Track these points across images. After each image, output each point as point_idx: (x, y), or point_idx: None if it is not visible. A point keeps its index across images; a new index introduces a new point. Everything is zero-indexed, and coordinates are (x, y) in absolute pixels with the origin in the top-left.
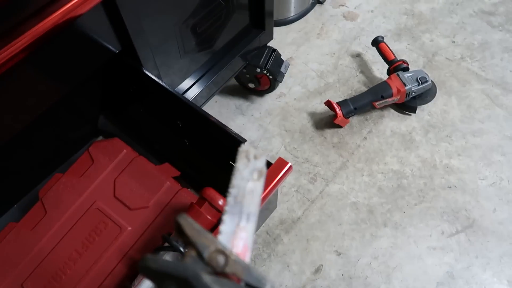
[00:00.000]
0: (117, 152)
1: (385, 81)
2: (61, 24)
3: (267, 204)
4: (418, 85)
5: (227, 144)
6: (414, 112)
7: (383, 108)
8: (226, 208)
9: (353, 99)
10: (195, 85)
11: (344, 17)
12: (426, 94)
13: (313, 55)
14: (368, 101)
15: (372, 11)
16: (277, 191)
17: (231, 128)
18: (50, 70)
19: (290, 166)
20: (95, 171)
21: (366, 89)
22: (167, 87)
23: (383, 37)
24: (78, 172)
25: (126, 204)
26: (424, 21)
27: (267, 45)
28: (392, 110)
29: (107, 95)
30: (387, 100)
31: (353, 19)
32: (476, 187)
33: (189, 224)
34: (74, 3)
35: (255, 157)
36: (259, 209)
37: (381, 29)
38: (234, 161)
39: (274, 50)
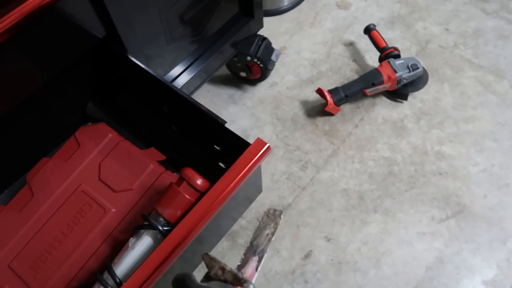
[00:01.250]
0: (102, 137)
1: (376, 69)
2: (43, 6)
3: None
4: (409, 72)
5: (211, 127)
6: (406, 99)
7: (375, 95)
8: (246, 248)
9: (344, 87)
10: (184, 72)
11: (337, 6)
12: (418, 81)
13: (306, 44)
14: (359, 88)
15: (365, 0)
16: (260, 175)
17: (223, 117)
18: (34, 54)
19: (268, 146)
20: (81, 155)
21: (359, 77)
22: (152, 72)
23: (375, 25)
24: (64, 156)
25: (110, 187)
26: (418, 9)
27: (258, 33)
28: (384, 98)
29: (95, 82)
30: (378, 87)
31: (346, 8)
32: (467, 173)
33: (207, 256)
34: None
35: (274, 214)
36: (269, 248)
37: (375, 18)
38: (217, 145)
39: (265, 38)
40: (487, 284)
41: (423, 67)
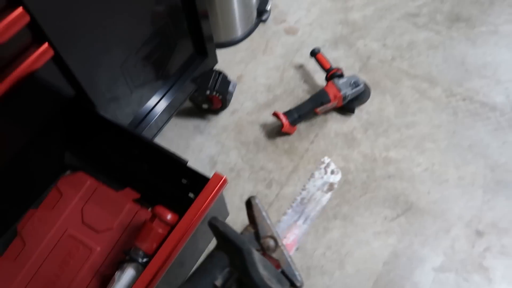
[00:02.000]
0: (81, 184)
1: (323, 89)
2: (20, 80)
3: (214, 213)
4: (352, 89)
5: (176, 165)
6: (353, 113)
7: (326, 112)
8: (293, 204)
9: (297, 108)
10: (152, 110)
11: (286, 32)
12: (362, 96)
13: (261, 71)
14: (310, 108)
15: (310, 24)
16: (223, 201)
17: (191, 147)
18: (13, 119)
19: (225, 179)
20: (64, 203)
21: (309, 97)
22: (118, 123)
23: (319, 48)
24: (49, 206)
25: (93, 228)
26: (358, 28)
27: (214, 68)
28: (334, 114)
29: (70, 134)
30: (326, 105)
31: (294, 33)
32: (412, 173)
33: (257, 207)
34: (29, 61)
35: (332, 172)
36: (317, 216)
37: (320, 40)
38: (184, 179)
39: (220, 72)
40: (436, 270)
41: (365, 83)
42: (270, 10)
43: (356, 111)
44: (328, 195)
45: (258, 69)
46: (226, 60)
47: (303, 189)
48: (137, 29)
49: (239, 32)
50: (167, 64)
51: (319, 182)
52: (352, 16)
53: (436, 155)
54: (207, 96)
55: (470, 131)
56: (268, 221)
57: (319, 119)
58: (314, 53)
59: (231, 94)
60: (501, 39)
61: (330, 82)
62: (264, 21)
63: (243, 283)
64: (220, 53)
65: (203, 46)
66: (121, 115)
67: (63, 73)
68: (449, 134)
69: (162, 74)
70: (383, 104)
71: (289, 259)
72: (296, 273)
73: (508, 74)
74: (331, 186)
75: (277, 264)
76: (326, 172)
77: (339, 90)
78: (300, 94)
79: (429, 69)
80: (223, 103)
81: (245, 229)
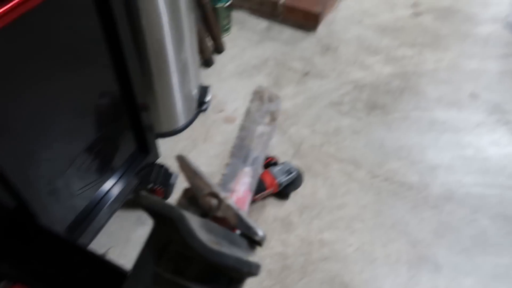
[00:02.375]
0: None
1: (259, 177)
2: None
3: None
4: (286, 176)
5: (116, 275)
6: (288, 198)
7: (263, 198)
8: (232, 150)
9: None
10: (96, 207)
11: (225, 121)
12: (296, 181)
13: (202, 159)
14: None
15: None
16: None
17: (132, 240)
18: None
19: None
20: None
21: None
22: (55, 232)
23: None
24: None
25: None
26: (290, 116)
27: (156, 162)
28: (272, 199)
29: (6, 246)
30: (263, 193)
31: (232, 121)
32: (345, 254)
33: (184, 163)
34: None
35: (270, 99)
36: (265, 154)
37: None
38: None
39: (162, 165)
40: None
41: (298, 169)
42: (209, 100)
43: (292, 195)
44: (272, 126)
45: (199, 157)
46: (168, 150)
47: (240, 129)
48: (79, 129)
49: (180, 122)
50: (110, 163)
51: (257, 116)
52: (284, 104)
53: (365, 235)
54: (150, 189)
55: (392, 209)
56: (203, 177)
57: (257, 205)
58: None
59: (173, 186)
60: (411, 124)
61: (266, 171)
62: (204, 110)
63: (188, 256)
64: (163, 143)
65: (145, 144)
66: (64, 214)
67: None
68: (375, 213)
69: (106, 172)
70: (316, 187)
71: (240, 213)
72: (253, 225)
73: (420, 155)
74: (273, 115)
75: (227, 224)
76: (262, 102)
77: (274, 177)
78: None
79: (354, 153)
80: (165, 195)
81: (181, 197)
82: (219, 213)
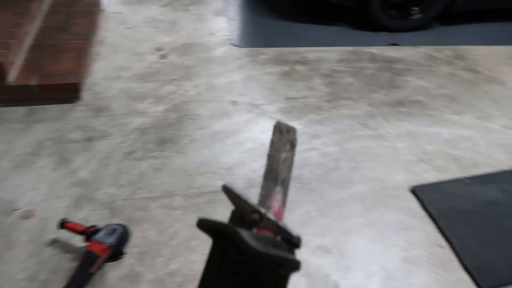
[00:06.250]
0: None
1: (87, 250)
2: None
3: None
4: (113, 236)
5: None
6: (124, 254)
7: (101, 267)
8: (264, 175)
9: (72, 281)
10: None
11: (23, 218)
12: (124, 236)
13: (13, 268)
14: (84, 274)
15: (44, 200)
16: None
17: None
18: None
19: None
20: None
21: (78, 264)
22: None
23: (65, 218)
24: None
25: None
26: (91, 183)
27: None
28: (110, 264)
29: None
30: (97, 263)
31: (31, 215)
32: (196, 270)
33: (230, 191)
34: None
35: (287, 131)
36: (291, 175)
37: (61, 209)
38: None
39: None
40: None
41: (121, 225)
42: None
43: (126, 249)
44: (293, 151)
45: (9, 268)
46: None
47: (268, 158)
48: None
49: None
50: None
51: (280, 145)
52: (80, 175)
53: (204, 247)
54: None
55: (215, 215)
56: (245, 198)
57: (98, 276)
58: (62, 225)
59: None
60: (199, 143)
61: (92, 241)
62: None
63: (244, 261)
64: None
65: None
66: None
67: None
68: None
69: None
70: (145, 232)
71: (278, 222)
72: (290, 231)
73: (216, 164)
74: (292, 143)
75: (270, 232)
76: (282, 133)
77: (102, 243)
78: (67, 266)
79: (163, 187)
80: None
81: (231, 216)
82: (262, 225)
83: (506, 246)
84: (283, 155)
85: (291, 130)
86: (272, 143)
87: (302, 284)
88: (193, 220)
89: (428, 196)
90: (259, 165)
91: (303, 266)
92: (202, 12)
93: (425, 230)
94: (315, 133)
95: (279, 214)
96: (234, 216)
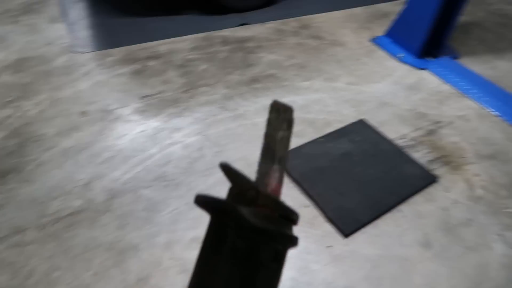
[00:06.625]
0: None
1: None
2: None
3: None
4: None
5: None
6: None
7: None
8: (261, 153)
9: None
10: None
11: None
12: None
13: None
14: None
15: None
16: None
17: None
18: None
19: None
20: None
21: None
22: None
23: None
24: None
25: None
26: None
27: None
28: None
29: None
30: None
31: None
32: None
33: (228, 169)
34: None
35: (285, 110)
36: (288, 153)
37: None
38: None
39: None
40: None
41: None
42: None
43: None
44: (290, 130)
45: None
46: None
47: (265, 137)
48: None
49: None
50: None
51: (276, 124)
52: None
53: (68, 280)
54: None
55: (79, 237)
56: (242, 175)
57: None
58: None
59: None
60: (46, 166)
61: None
62: None
63: (243, 236)
64: None
65: None
66: None
67: None
68: (63, 252)
69: None
70: None
71: (276, 199)
72: (288, 207)
73: (71, 183)
74: (289, 122)
75: (268, 209)
76: (279, 112)
77: None
78: None
79: (11, 223)
80: None
81: (228, 194)
82: (260, 202)
83: (361, 189)
84: (280, 134)
85: (288, 109)
86: (269, 122)
87: (179, 281)
88: (51, 251)
89: (290, 163)
90: (120, 173)
91: (180, 262)
92: (35, 22)
93: (291, 195)
94: (175, 127)
95: (277, 191)
96: (232, 193)
